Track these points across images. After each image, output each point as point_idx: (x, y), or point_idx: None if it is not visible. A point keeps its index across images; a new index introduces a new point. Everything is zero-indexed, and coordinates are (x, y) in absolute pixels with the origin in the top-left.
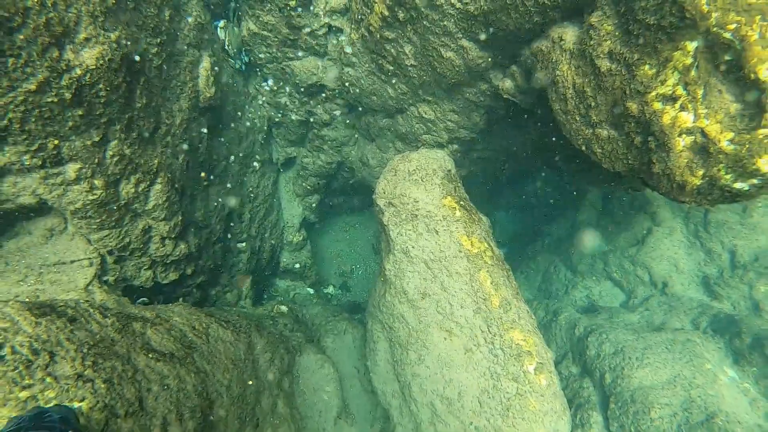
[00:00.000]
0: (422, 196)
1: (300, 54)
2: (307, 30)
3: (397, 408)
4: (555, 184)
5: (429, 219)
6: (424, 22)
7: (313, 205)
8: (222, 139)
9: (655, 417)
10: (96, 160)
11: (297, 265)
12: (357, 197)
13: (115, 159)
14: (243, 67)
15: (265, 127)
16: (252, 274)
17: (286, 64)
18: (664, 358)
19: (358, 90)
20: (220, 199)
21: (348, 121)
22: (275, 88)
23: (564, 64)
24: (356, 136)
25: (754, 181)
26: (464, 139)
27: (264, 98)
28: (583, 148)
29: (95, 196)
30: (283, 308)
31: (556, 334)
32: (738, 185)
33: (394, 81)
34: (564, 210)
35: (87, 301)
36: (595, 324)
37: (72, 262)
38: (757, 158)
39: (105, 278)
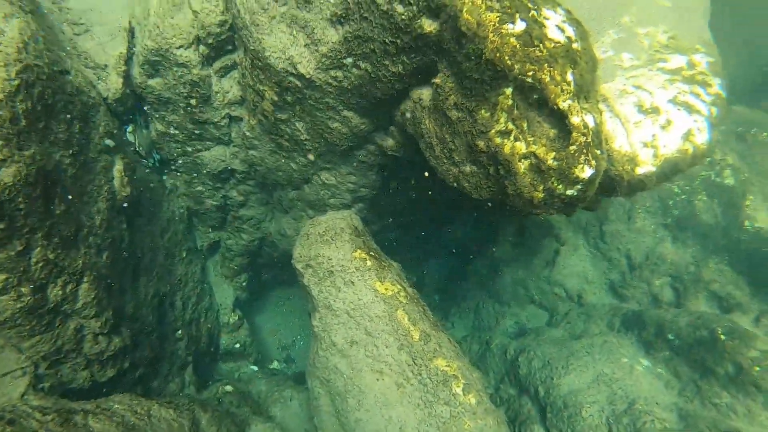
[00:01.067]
0: (335, 254)
1: (207, 144)
2: (211, 122)
3: None
4: (472, 224)
5: (344, 273)
6: (309, 101)
7: (243, 284)
8: (144, 233)
9: (586, 416)
10: (21, 268)
11: (237, 345)
12: (285, 271)
13: (40, 265)
14: (156, 164)
15: (186, 217)
16: (193, 362)
17: (196, 155)
18: (585, 362)
19: (264, 169)
20: (150, 290)
21: (262, 199)
22: (186, 177)
23: (426, 119)
24: (272, 211)
25: (578, 186)
26: (366, 197)
27: (181, 190)
28: (455, 184)
29: (23, 304)
30: (228, 388)
31: (491, 362)
32: (569, 192)
33: (294, 155)
34: (484, 247)
35: (25, 403)
36: (524, 344)
37: (3, 375)
38: (574, 168)
39: (41, 386)
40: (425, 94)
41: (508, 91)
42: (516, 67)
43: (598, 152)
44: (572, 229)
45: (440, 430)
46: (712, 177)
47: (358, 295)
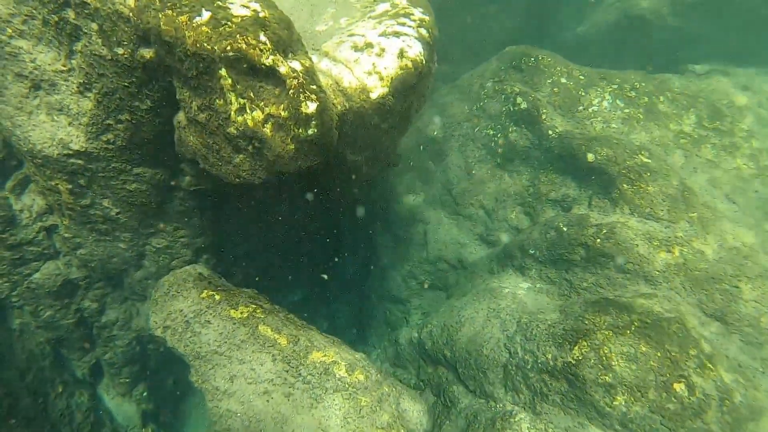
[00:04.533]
0: (184, 304)
1: (35, 265)
2: (26, 242)
3: None
4: (333, 242)
5: (199, 317)
6: (100, 175)
7: (144, 394)
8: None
9: (488, 352)
10: None
11: None
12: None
13: None
14: None
15: (49, 351)
16: None
17: (28, 282)
18: (475, 309)
19: (99, 263)
20: None
21: (118, 297)
22: (30, 308)
23: (189, 136)
24: (134, 304)
25: (313, 122)
26: (207, 246)
27: (32, 325)
28: (237, 180)
29: None
30: None
31: (405, 355)
32: (310, 131)
33: (117, 234)
34: (355, 255)
35: None
36: (422, 323)
37: None
38: (300, 108)
39: None
40: (181, 115)
41: (222, 71)
42: (215, 48)
43: (315, 87)
44: (431, 208)
45: (340, 417)
46: (511, 108)
47: (218, 331)
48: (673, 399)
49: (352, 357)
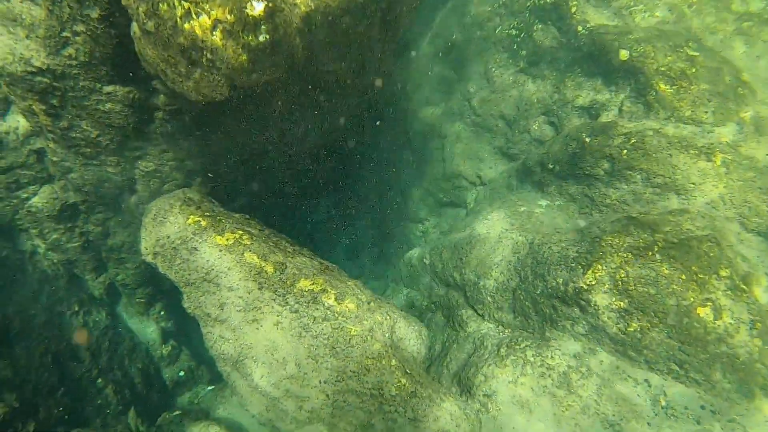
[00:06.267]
0: (171, 230)
1: (32, 189)
2: (18, 165)
3: (277, 416)
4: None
5: (186, 243)
6: (71, 94)
7: (161, 313)
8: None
9: (497, 275)
10: None
11: (182, 374)
12: None
13: None
14: None
15: (63, 272)
16: (133, 405)
17: (27, 206)
18: (487, 229)
19: (92, 187)
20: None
21: (121, 221)
22: (35, 231)
23: (148, 49)
24: (138, 228)
25: (263, 27)
26: (198, 168)
27: (42, 246)
28: (200, 97)
29: None
30: (176, 413)
31: (417, 277)
32: (261, 38)
33: (102, 158)
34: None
35: None
36: (435, 245)
37: None
38: (246, 12)
39: None
40: (135, 26)
41: None
42: None
43: None
44: (450, 121)
45: (329, 347)
46: (536, 2)
47: (205, 258)
48: (695, 324)
49: (344, 285)
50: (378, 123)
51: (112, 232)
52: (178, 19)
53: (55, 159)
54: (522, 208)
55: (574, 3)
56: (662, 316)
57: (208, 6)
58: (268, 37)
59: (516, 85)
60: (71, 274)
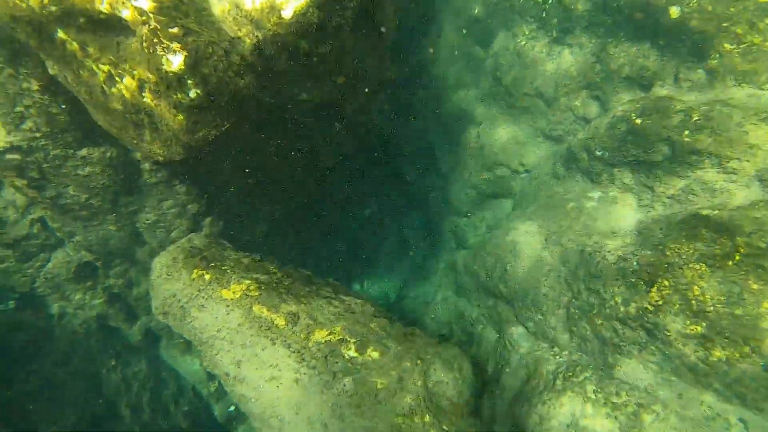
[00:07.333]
0: (176, 287)
1: (42, 257)
2: (23, 237)
3: None
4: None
5: (193, 301)
6: (46, 166)
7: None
8: (32, 376)
9: (546, 290)
10: None
11: (232, 408)
12: None
13: None
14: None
15: (95, 328)
16: None
17: (43, 272)
18: (530, 232)
19: (99, 247)
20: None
21: (139, 270)
22: (57, 295)
23: (97, 115)
24: None
25: (189, 81)
26: (204, 209)
27: (69, 308)
28: (159, 158)
29: None
30: None
31: (464, 285)
32: (192, 93)
33: (100, 216)
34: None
35: None
36: (478, 250)
37: None
38: (162, 67)
39: None
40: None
41: (60, 33)
42: (33, 5)
43: (176, 31)
44: (482, 104)
45: (354, 406)
46: None
47: (214, 315)
48: None
49: (365, 329)
50: (412, 118)
51: (135, 282)
52: (103, 85)
53: (55, 225)
54: (570, 204)
55: None
56: (755, 343)
57: (129, 66)
58: (199, 92)
59: (550, 57)
60: (106, 327)
